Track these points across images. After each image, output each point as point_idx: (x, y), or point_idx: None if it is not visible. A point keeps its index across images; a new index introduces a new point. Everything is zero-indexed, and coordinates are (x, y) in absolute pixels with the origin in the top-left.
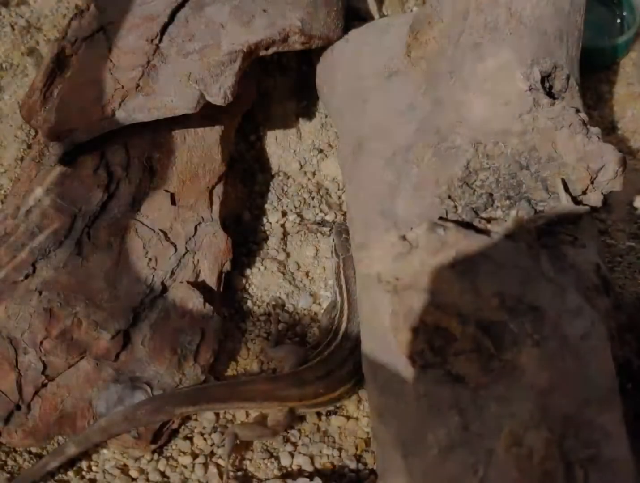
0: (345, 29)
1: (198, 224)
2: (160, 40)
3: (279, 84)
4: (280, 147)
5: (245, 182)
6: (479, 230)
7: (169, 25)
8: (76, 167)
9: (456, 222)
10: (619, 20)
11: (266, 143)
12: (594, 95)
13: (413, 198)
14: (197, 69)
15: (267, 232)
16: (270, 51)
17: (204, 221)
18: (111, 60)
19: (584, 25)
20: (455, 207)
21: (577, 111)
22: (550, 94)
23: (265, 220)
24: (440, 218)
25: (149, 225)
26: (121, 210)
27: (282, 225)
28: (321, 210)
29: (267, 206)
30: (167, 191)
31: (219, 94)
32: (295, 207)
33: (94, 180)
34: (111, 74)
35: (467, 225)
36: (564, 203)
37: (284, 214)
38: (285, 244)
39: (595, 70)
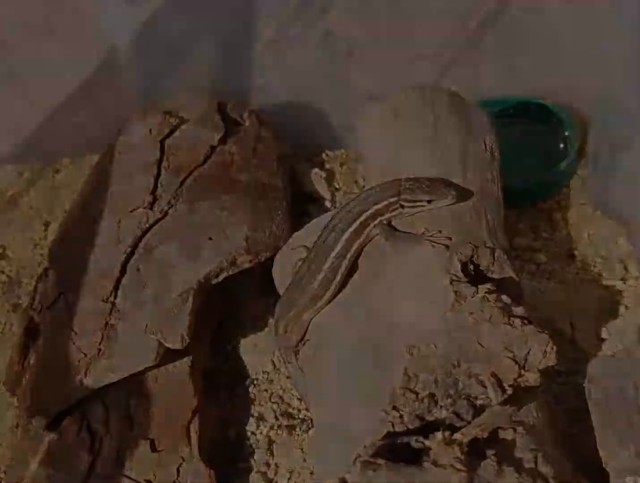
0: (303, 214)
1: (179, 465)
2: (115, 296)
3: (245, 287)
4: (256, 350)
5: (228, 395)
6: (416, 452)
7: (121, 279)
8: (62, 432)
9: (392, 450)
10: (562, 143)
11: (241, 351)
12: (548, 226)
13: (363, 414)
14: (153, 318)
15: (253, 446)
16: (221, 278)
17: (185, 461)
18: (72, 329)
19: (531, 155)
20: (401, 416)
21: (498, 296)
22: (477, 273)
23: (249, 433)
24: (388, 433)
25: (135, 478)
26: (108, 468)
27: (267, 435)
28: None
29: (250, 417)
30: (146, 439)
31: (176, 338)
32: (274, 411)
33: (78, 444)
34: (74, 343)
35: (405, 448)
36: (494, 402)
37: (265, 420)
38: (272, 455)
39: (547, 198)
